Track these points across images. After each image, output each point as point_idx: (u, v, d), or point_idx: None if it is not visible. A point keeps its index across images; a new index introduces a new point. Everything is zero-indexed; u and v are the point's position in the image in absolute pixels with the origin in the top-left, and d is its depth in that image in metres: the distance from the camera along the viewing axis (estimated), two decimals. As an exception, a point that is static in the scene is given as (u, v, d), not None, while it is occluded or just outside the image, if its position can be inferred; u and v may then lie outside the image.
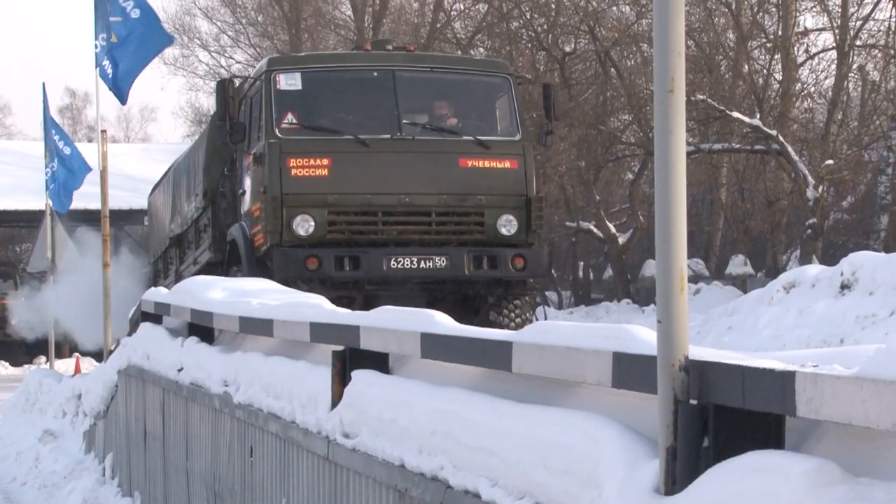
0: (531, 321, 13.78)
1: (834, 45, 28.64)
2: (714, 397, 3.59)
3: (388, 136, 14.70)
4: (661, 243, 3.69)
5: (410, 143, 14.68)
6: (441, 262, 14.34)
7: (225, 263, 16.08)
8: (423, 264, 14.34)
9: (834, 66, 29.11)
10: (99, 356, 24.09)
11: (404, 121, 14.82)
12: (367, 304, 13.67)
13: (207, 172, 17.36)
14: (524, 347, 4.70)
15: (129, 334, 14.88)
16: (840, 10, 27.77)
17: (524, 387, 4.97)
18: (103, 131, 19.95)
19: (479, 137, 14.84)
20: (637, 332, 4.09)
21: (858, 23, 27.85)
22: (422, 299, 14.54)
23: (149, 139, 75.03)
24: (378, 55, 15.57)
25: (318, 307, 8.10)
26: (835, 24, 27.99)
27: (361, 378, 6.39)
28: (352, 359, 6.57)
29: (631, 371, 3.99)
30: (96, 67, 18.65)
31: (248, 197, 15.46)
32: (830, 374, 3.17)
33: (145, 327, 12.77)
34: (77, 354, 30.13)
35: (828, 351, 4.06)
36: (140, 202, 29.22)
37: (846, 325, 12.16)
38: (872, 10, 27.67)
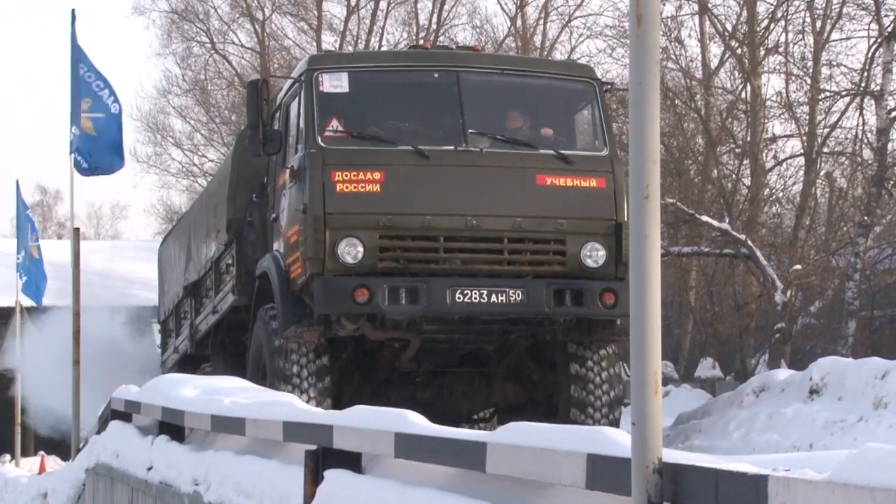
0: (619, 378, 12.62)
1: (802, 151, 29.02)
2: (688, 500, 3.62)
3: (452, 147, 12.16)
4: (636, 347, 3.75)
5: (478, 156, 12.14)
6: (516, 296, 11.83)
7: (252, 305, 13.45)
8: (494, 298, 11.83)
9: (802, 173, 29.45)
10: (64, 454, 23.88)
11: (470, 130, 12.39)
12: (424, 353, 12.40)
13: (232, 202, 14.66)
14: (499, 448, 4.73)
15: (98, 432, 14.77)
16: (808, 117, 28.19)
17: (498, 487, 4.99)
18: (76, 229, 19.94)
19: (560, 151, 12.39)
20: (612, 434, 4.13)
21: (826, 130, 28.26)
22: (489, 343, 12.61)
23: (119, 236, 74.98)
24: (439, 54, 13.21)
25: (291, 406, 8.10)
26: (803, 131, 28.39)
27: (334, 478, 6.39)
28: (325, 458, 6.57)
29: (605, 473, 4.02)
30: (70, 154, 18.53)
31: (283, 221, 12.80)
32: (803, 479, 3.22)
33: (115, 425, 12.70)
34: (42, 453, 29.86)
35: (799, 455, 4.10)
36: (110, 298, 29.14)
37: (815, 430, 12.21)
38: (840, 119, 28.09)
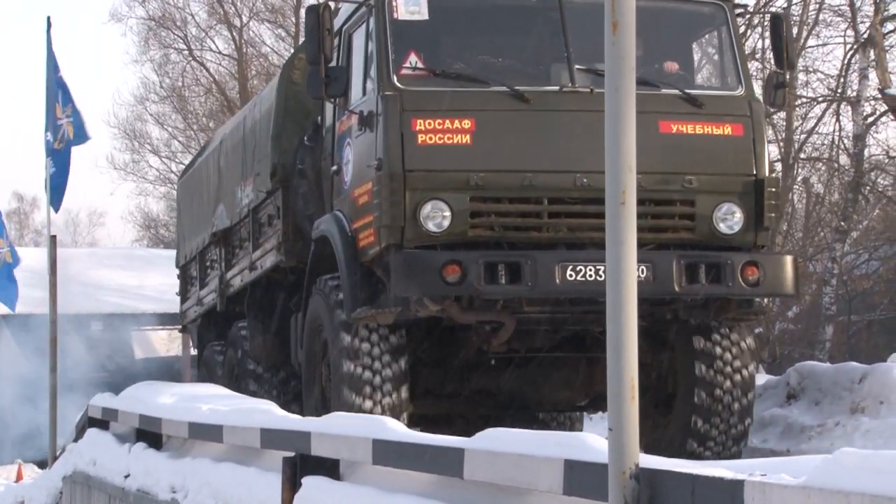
0: (752, 381, 10.59)
1: (779, 157, 29.14)
2: (664, 505, 3.63)
3: (556, 87, 10.06)
4: (612, 352, 3.76)
5: (588, 98, 9.86)
6: (640, 272, 9.57)
7: (308, 272, 11.10)
8: None
9: (780, 178, 29.60)
10: (41, 464, 23.79)
11: (578, 66, 10.14)
12: (518, 335, 10.17)
13: (278, 143, 12.20)
14: (476, 454, 4.74)
15: (76, 440, 14.72)
16: (785, 123, 28.31)
17: (476, 494, 4.99)
18: (53, 236, 19.88)
19: (686, 91, 10.26)
20: (589, 439, 4.14)
21: (803, 136, 28.39)
22: (596, 325, 10.16)
23: (96, 244, 74.80)
24: None
25: (269, 413, 8.10)
26: (779, 137, 28.51)
27: (312, 485, 6.39)
28: (302, 465, 6.56)
29: (582, 479, 4.03)
30: (47, 157, 18.41)
31: (347, 176, 10.65)
32: (778, 483, 3.23)
33: (92, 433, 12.68)
34: (19, 461, 29.76)
35: (775, 460, 4.12)
36: (88, 307, 29.06)
37: (793, 435, 12.24)
38: (816, 124, 28.22)
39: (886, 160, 27.46)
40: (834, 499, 3.00)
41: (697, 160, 10.14)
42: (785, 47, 10.56)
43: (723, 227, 10.06)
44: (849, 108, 25.71)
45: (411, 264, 9.63)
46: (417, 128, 9.84)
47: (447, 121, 9.91)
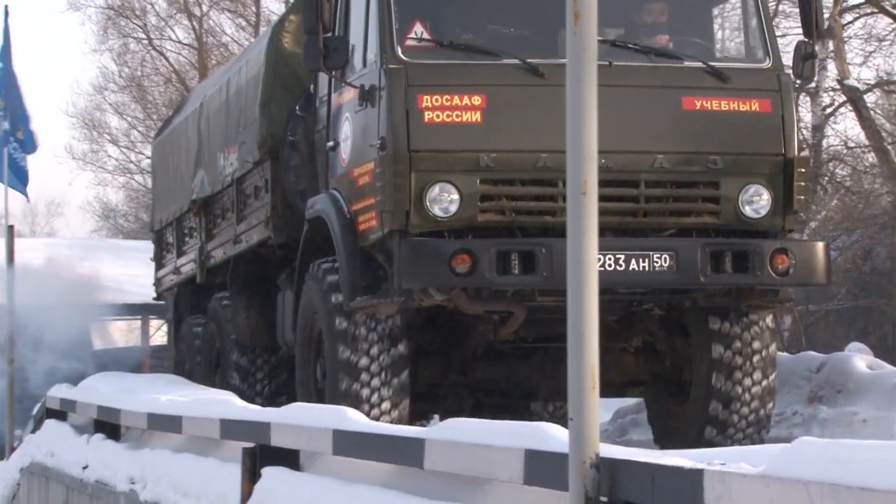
0: (773, 363, 9.97)
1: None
2: (624, 495, 3.64)
3: None
4: (573, 342, 3.76)
5: (606, 71, 8.38)
6: (663, 261, 9.14)
7: (301, 253, 10.44)
8: (634, 265, 9.13)
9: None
10: None
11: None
12: (527, 324, 9.52)
13: (266, 111, 11.40)
14: (437, 444, 4.73)
15: (33, 431, 14.64)
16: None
17: (437, 483, 4.99)
18: (11, 226, 19.73)
19: (711, 64, 9.55)
20: (550, 429, 4.14)
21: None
22: (613, 313, 9.66)
23: (55, 234, 74.33)
24: None
25: (229, 403, 8.07)
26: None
27: (271, 475, 6.37)
28: (262, 456, 6.54)
29: (542, 468, 4.03)
30: (2, 149, 18.20)
31: (345, 153, 9.94)
32: (738, 473, 3.23)
33: (50, 424, 12.61)
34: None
35: (735, 449, 4.13)
36: (46, 297, 28.86)
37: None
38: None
39: (844, 151, 27.61)
40: (793, 488, 3.01)
41: (723, 139, 9.46)
42: (814, 14, 9.84)
43: (749, 211, 9.41)
44: (807, 98, 25.84)
45: (418, 253, 8.98)
46: (424, 104, 9.16)
47: (455, 97, 9.22)
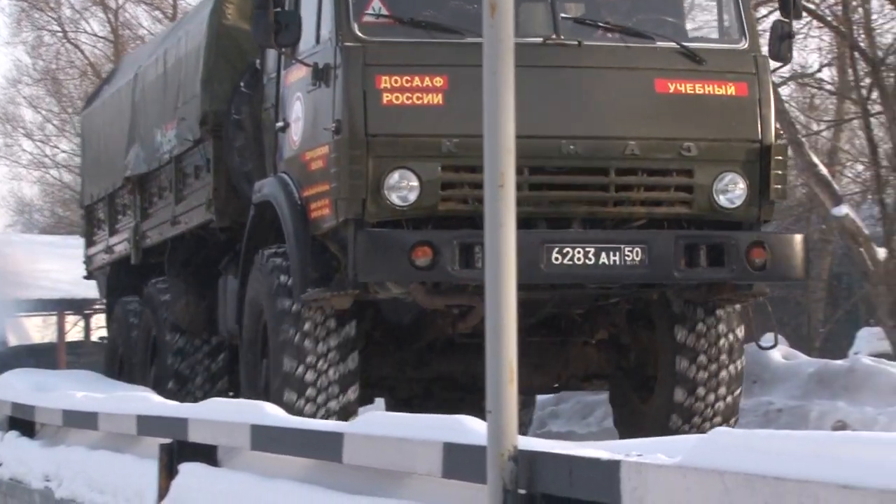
0: (740, 347, 9.52)
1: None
2: (542, 487, 3.65)
3: (539, 39, 8.84)
4: (491, 335, 3.77)
5: (575, 52, 8.83)
6: (634, 254, 8.64)
7: (246, 239, 9.86)
8: (605, 259, 8.61)
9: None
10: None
11: (562, 15, 9.01)
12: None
13: (209, 88, 10.75)
14: (355, 438, 4.72)
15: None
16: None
17: (356, 478, 4.98)
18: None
19: (684, 45, 9.10)
20: (468, 422, 4.14)
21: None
22: (578, 307, 9.47)
23: (-32, 228, 73.31)
24: None
25: (146, 399, 8.00)
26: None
27: (189, 471, 6.33)
28: (180, 452, 6.49)
29: (461, 461, 4.03)
30: None
31: (296, 135, 9.34)
32: (654, 463, 3.25)
33: (-37, 421, 12.42)
34: None
35: (652, 440, 4.16)
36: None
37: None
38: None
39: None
40: (709, 478, 3.03)
41: (697, 124, 9.02)
42: None
43: (724, 200, 8.95)
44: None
45: (375, 245, 8.45)
46: (382, 85, 8.64)
47: (416, 78, 8.69)
